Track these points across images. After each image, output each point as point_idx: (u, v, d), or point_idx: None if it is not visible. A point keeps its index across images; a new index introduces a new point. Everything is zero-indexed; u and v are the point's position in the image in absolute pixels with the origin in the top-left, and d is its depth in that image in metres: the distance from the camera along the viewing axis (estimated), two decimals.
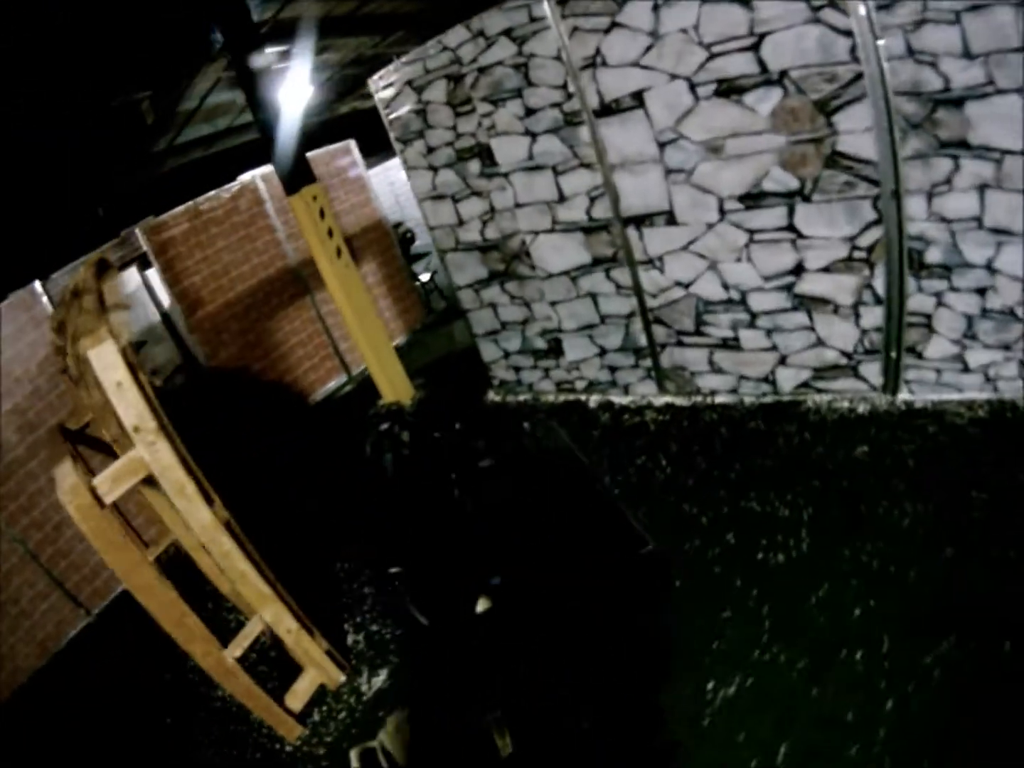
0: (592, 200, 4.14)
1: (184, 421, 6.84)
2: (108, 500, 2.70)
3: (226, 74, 8.49)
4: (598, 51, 3.65)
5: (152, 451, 2.75)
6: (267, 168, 6.83)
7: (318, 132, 6.24)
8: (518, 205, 4.49)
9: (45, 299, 5.40)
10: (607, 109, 3.79)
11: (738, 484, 3.50)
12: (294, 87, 8.98)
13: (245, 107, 10.39)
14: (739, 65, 3.26)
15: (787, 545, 2.99)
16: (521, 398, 5.44)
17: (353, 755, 2.70)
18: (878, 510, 2.97)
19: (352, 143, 8.05)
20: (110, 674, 4.66)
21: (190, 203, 6.59)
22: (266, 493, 5.82)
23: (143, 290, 6.85)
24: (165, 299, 6.94)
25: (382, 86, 4.74)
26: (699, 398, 4.44)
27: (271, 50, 7.96)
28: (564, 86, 3.86)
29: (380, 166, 13.24)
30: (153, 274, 6.74)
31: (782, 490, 3.32)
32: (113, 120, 8.31)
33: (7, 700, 4.83)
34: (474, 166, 4.54)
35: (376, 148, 9.33)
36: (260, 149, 5.82)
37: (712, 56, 3.31)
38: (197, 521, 2.95)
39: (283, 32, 7.81)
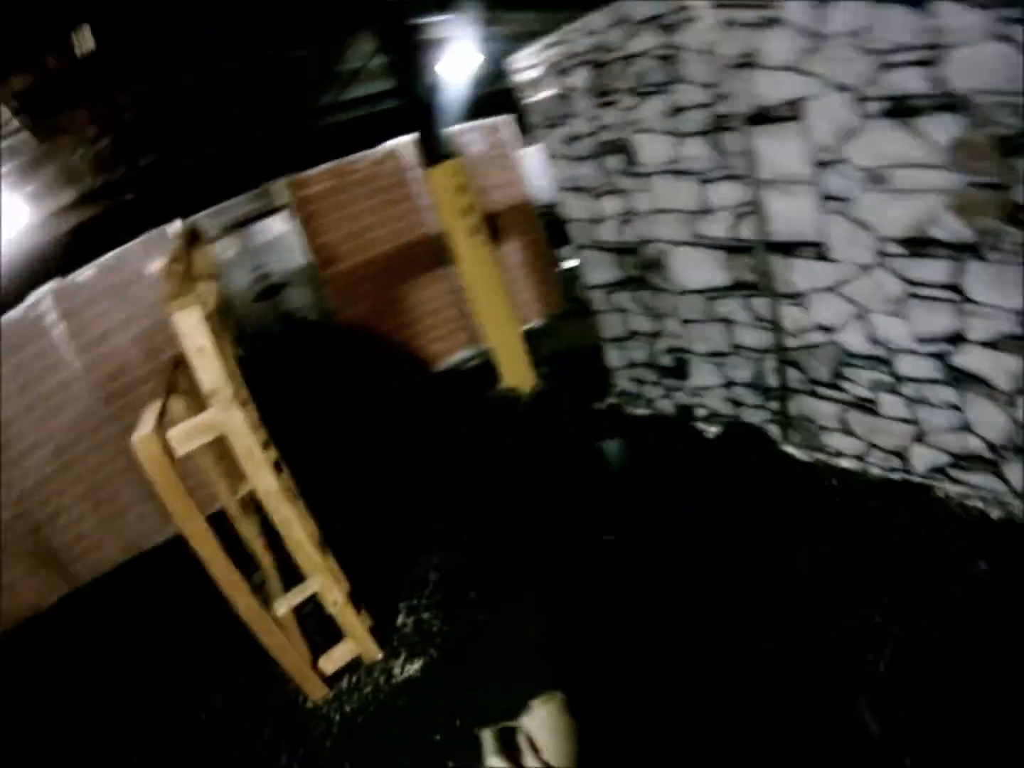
0: (738, 217, 3.74)
1: (307, 365, 7.49)
2: (179, 453, 2.99)
3: None
4: (754, 49, 3.24)
5: (226, 415, 3.01)
6: (412, 136, 7.05)
7: (478, 104, 6.27)
8: (658, 210, 4.19)
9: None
10: (761, 116, 3.37)
11: (834, 575, 3.12)
12: (452, 58, 9.12)
13: None
14: (914, 82, 2.71)
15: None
16: (639, 412, 5.20)
17: (488, 735, 2.80)
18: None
19: (508, 119, 8.01)
20: (170, 588, 5.37)
21: (334, 163, 7.00)
22: (369, 455, 6.26)
23: (292, 235, 7.37)
24: (301, 250, 7.46)
25: (523, 67, 4.59)
26: (821, 455, 3.95)
27: (427, 19, 8.14)
28: (715, 85, 3.49)
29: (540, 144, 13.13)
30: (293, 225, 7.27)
31: (878, 594, 2.91)
32: (270, 71, 8.93)
33: (88, 582, 6.10)
34: (616, 162, 4.29)
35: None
36: (408, 117, 6.00)
37: (884, 67, 2.82)
38: (262, 487, 3.23)
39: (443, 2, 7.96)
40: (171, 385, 3.71)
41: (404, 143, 7.32)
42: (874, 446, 3.66)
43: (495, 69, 12.64)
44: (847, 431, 3.78)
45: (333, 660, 3.69)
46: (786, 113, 3.27)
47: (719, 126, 3.58)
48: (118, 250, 6.06)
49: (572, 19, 4.16)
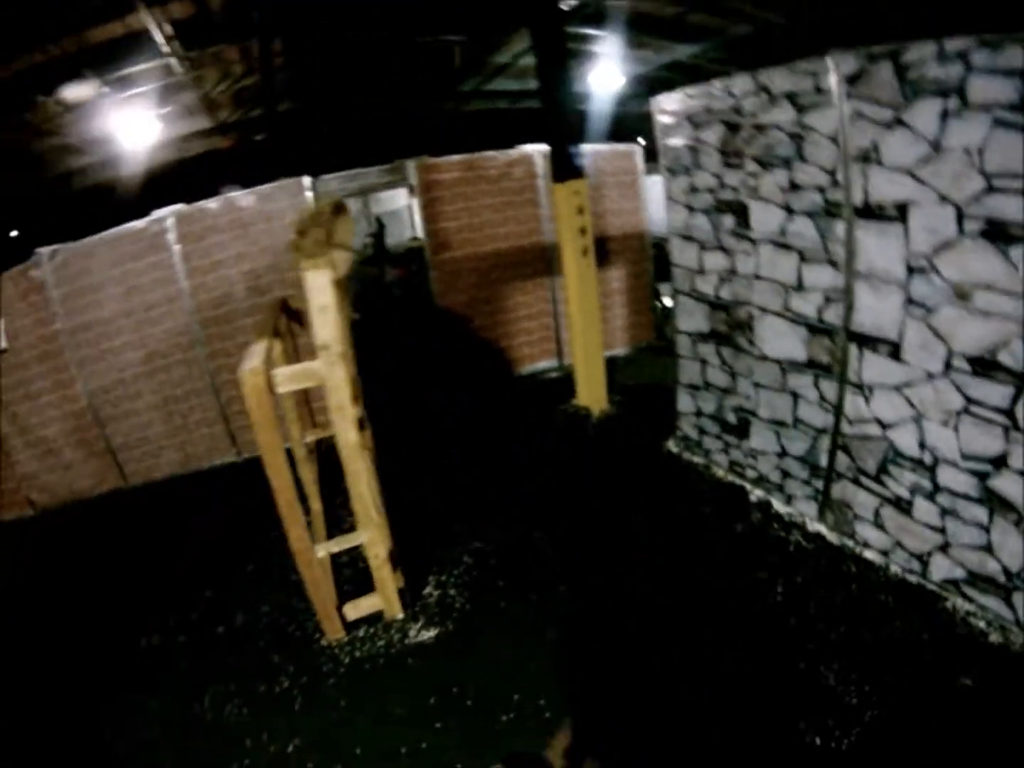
0: (827, 300, 4.08)
1: (398, 337, 8.14)
2: (279, 390, 3.52)
3: None
4: (875, 145, 3.57)
5: (330, 369, 3.55)
6: (546, 146, 7.57)
7: (612, 125, 6.71)
8: (757, 276, 4.56)
9: (309, 194, 6.78)
10: (869, 211, 3.71)
11: (827, 653, 3.42)
12: (597, 75, 9.54)
13: None
14: (1015, 209, 3.05)
15: None
16: (695, 459, 5.57)
17: None
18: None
19: (637, 148, 8.48)
20: (215, 510, 6.17)
21: (467, 156, 7.59)
22: (440, 435, 6.89)
23: (411, 214, 8.02)
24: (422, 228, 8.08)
25: (663, 110, 5.02)
26: (849, 542, 4.27)
27: (580, 30, 8.59)
28: (832, 172, 3.83)
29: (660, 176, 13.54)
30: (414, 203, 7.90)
31: (874, 684, 3.20)
32: (421, 54, 9.60)
33: (138, 485, 7.06)
34: (728, 221, 4.69)
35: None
36: (542, 127, 6.48)
37: (990, 190, 3.14)
38: (343, 437, 3.74)
39: (598, 17, 8.40)
40: (275, 327, 4.31)
41: (540, 150, 7.88)
42: (900, 545, 3.94)
43: (632, 92, 13.24)
44: (879, 525, 4.08)
45: (358, 608, 4.22)
46: (892, 213, 3.59)
47: (829, 211, 3.93)
48: (249, 190, 6.76)
49: (714, 58, 4.55)
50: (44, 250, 6.38)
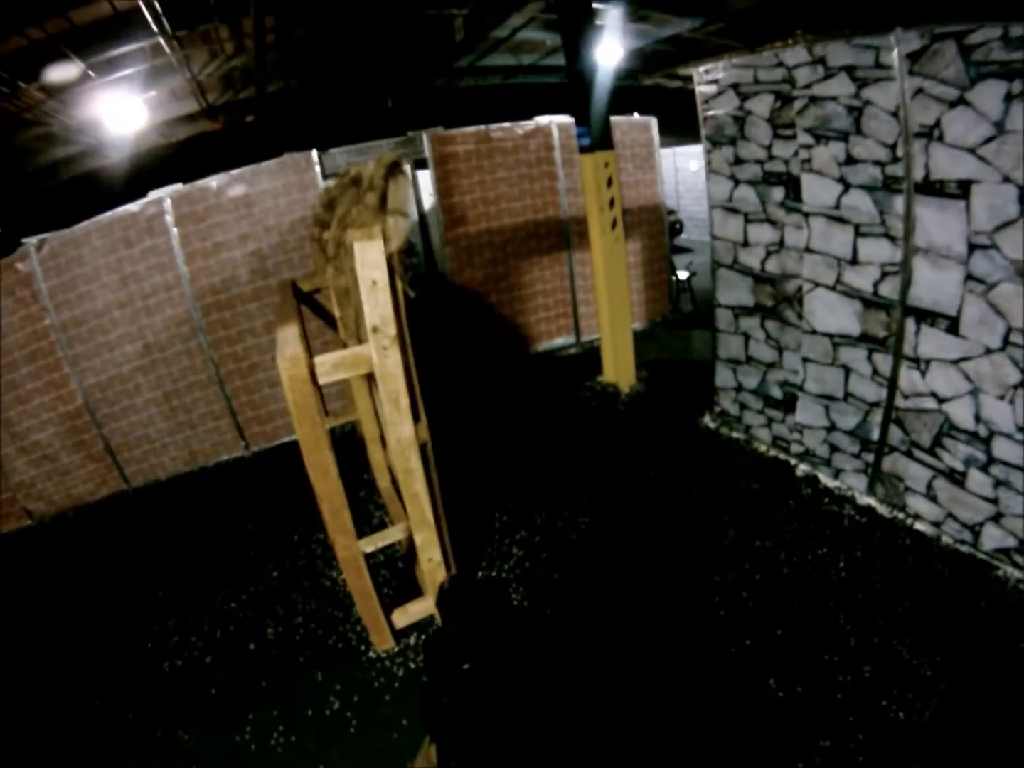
0: (883, 275, 4.34)
1: (413, 316, 8.31)
2: (323, 381, 3.29)
3: (543, 16, 9.88)
4: (937, 123, 3.81)
5: (382, 355, 3.30)
6: (564, 118, 7.77)
7: (612, 98, 6.92)
8: (808, 250, 4.81)
9: (318, 168, 6.86)
10: (929, 187, 3.95)
11: (898, 627, 3.71)
12: (607, 46, 9.76)
13: (552, 49, 11.97)
14: None
15: None
16: (734, 435, 5.87)
17: None
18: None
19: (653, 121, 8.71)
20: (227, 509, 6.09)
21: (482, 127, 7.73)
22: (470, 418, 7.01)
23: (411, 187, 8.20)
24: (427, 202, 8.21)
25: (706, 80, 5.22)
26: (900, 514, 4.60)
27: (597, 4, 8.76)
28: (893, 147, 4.07)
29: (668, 149, 14.25)
30: (424, 176, 8.02)
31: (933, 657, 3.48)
32: (425, 25, 9.69)
33: (142, 485, 6.93)
34: (777, 193, 4.93)
35: (669, 130, 10.00)
36: (560, 97, 6.68)
37: None
38: (396, 432, 3.51)
39: None
40: (297, 307, 4.11)
41: (557, 121, 8.04)
42: (952, 516, 4.28)
43: (642, 65, 13.49)
44: (931, 496, 4.40)
45: (407, 614, 4.11)
46: (954, 190, 3.84)
47: (888, 186, 4.18)
48: (252, 166, 6.74)
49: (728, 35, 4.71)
50: (31, 240, 6.26)
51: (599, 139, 6.53)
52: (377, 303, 3.21)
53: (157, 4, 7.65)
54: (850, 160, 4.37)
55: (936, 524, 4.41)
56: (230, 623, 4.65)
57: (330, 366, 3.30)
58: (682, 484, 5.30)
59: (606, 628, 4.00)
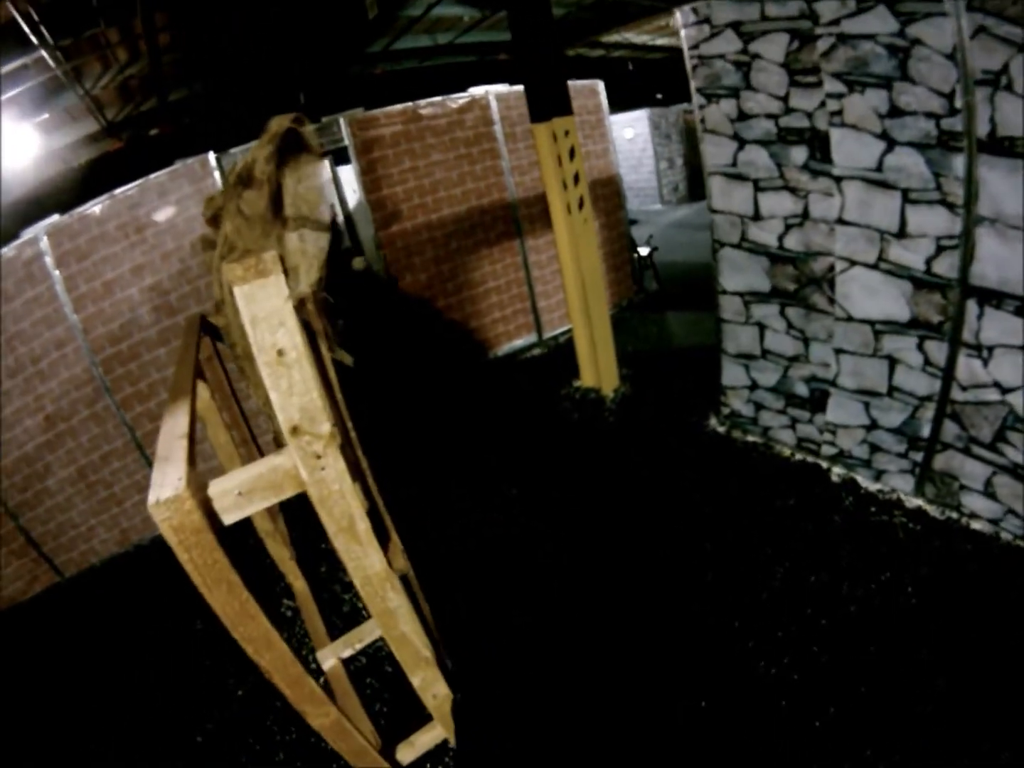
0: (939, 250, 3.99)
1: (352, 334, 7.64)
2: (228, 520, 2.17)
3: None
4: (1005, 68, 3.45)
5: (314, 467, 2.25)
6: (501, 87, 7.34)
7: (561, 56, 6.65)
8: (842, 221, 4.41)
9: (217, 174, 6.17)
10: (996, 145, 3.61)
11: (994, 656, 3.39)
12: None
13: (471, 24, 11.90)
14: None
15: None
16: (750, 439, 5.51)
17: None
18: None
19: (600, 84, 8.42)
20: (170, 589, 5.24)
21: (408, 104, 7.16)
22: (424, 446, 6.36)
23: (330, 186, 7.55)
24: (352, 200, 7.58)
25: (692, 20, 4.75)
26: (954, 514, 4.38)
27: None
28: (950, 96, 3.71)
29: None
30: (346, 171, 7.37)
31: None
32: (335, 8, 9.18)
33: (75, 575, 6.33)
34: (798, 154, 4.51)
35: None
36: (483, 75, 6.23)
37: None
38: (361, 569, 2.62)
39: None
40: (197, 364, 3.03)
41: (495, 91, 7.56)
42: (1012, 512, 4.08)
43: (563, 35, 13.62)
44: (990, 494, 4.18)
45: (415, 747, 3.38)
46: None
47: (944, 143, 3.82)
48: (136, 183, 6.02)
49: None
50: None
51: (553, 103, 6.02)
52: (292, 388, 2.11)
53: (33, 12, 6.89)
54: (895, 112, 3.97)
55: (995, 522, 4.20)
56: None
57: (236, 496, 2.14)
58: (703, 508, 4.86)
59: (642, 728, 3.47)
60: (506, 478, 5.74)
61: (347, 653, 3.30)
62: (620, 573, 4.48)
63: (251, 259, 1.91)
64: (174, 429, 2.25)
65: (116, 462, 6.39)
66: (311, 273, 2.29)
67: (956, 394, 4.18)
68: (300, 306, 2.24)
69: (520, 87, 7.76)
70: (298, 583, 4.50)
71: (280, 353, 2.04)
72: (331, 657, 3.20)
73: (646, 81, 20.15)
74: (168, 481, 1.96)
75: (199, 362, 2.86)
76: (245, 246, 2.19)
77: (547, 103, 6.00)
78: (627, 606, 4.22)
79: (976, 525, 4.26)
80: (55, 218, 5.97)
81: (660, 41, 17.88)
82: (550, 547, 4.82)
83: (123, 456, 6.40)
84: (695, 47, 4.86)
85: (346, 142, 7.00)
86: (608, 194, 8.65)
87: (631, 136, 16.72)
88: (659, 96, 20.55)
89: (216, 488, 2.10)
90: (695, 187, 19.36)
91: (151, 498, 1.91)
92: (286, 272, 2.01)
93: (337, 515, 2.38)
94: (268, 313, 1.98)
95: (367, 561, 2.57)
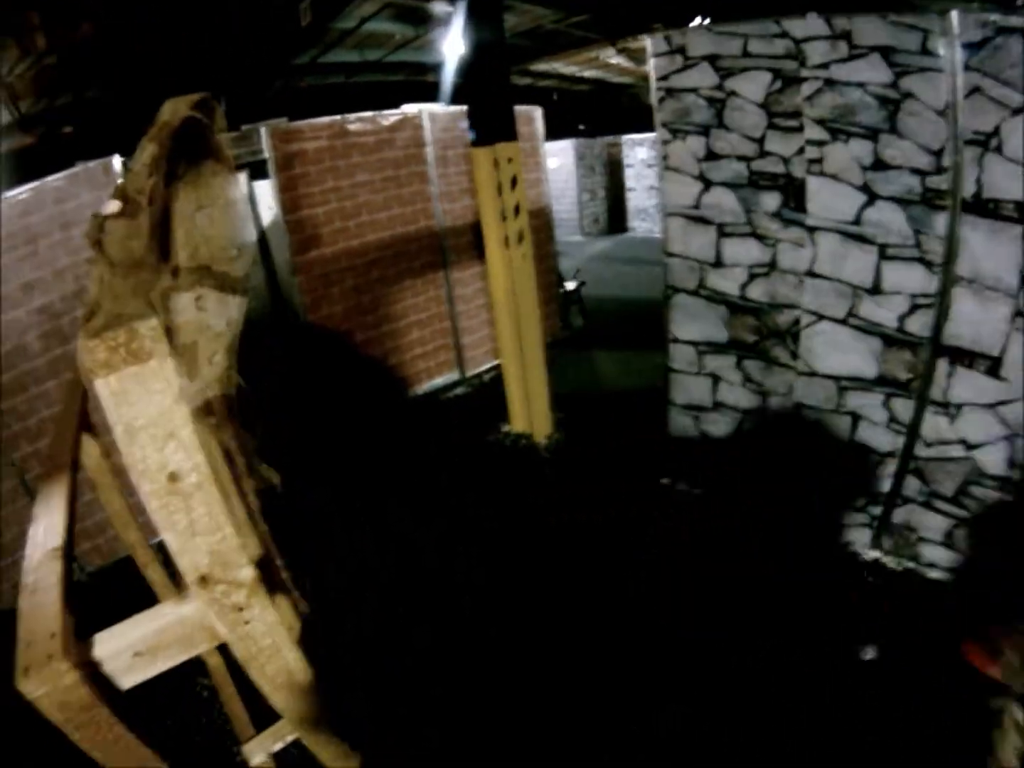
0: (914, 308, 4.09)
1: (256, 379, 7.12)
2: (126, 684, 1.45)
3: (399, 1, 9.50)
4: (997, 130, 3.59)
5: (235, 621, 1.59)
6: (436, 106, 7.31)
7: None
8: (812, 274, 4.45)
9: (121, 180, 5.65)
10: (981, 207, 3.73)
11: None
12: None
13: (401, 43, 11.95)
14: None
15: None
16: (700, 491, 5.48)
17: None
18: None
19: (538, 111, 8.44)
20: None
21: (336, 118, 6.89)
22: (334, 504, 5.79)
23: (246, 204, 7.20)
24: (267, 218, 7.21)
25: (664, 49, 4.69)
26: (911, 564, 4.51)
27: None
28: (938, 154, 3.82)
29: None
30: (263, 187, 6.95)
31: None
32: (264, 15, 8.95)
33: None
34: (770, 201, 4.55)
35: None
36: (408, 95, 6.10)
37: None
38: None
39: None
40: (83, 421, 2.17)
41: (429, 111, 7.40)
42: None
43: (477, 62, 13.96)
44: (948, 544, 4.33)
45: None
46: (1010, 213, 3.65)
47: (928, 200, 3.92)
48: (29, 186, 5.34)
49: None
50: None
51: (501, 126, 5.88)
52: (193, 526, 1.41)
53: None
54: (879, 165, 4.07)
55: (951, 570, 4.35)
56: None
57: (131, 656, 1.45)
58: (669, 566, 4.66)
59: None
60: (425, 548, 5.15)
61: (278, 746, 2.61)
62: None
63: (120, 332, 1.15)
64: (44, 537, 1.51)
65: (8, 507, 5.50)
66: (216, 361, 1.54)
67: (921, 450, 4.29)
68: (208, 408, 1.55)
69: (455, 108, 7.68)
70: (212, 658, 3.76)
71: (173, 478, 1.33)
72: (259, 752, 2.53)
73: (572, 112, 20.53)
74: (38, 639, 1.29)
75: (86, 411, 2.10)
76: (113, 309, 1.23)
77: (492, 126, 5.85)
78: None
79: (935, 575, 4.39)
80: None
81: (587, 73, 18.33)
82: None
83: (13, 502, 5.50)
84: (664, 78, 4.81)
85: (266, 155, 6.55)
86: (539, 225, 8.53)
87: (555, 166, 16.77)
88: (581, 127, 21.09)
89: (105, 648, 1.43)
90: (615, 219, 20.03)
91: (19, 662, 1.23)
92: (177, 351, 1.31)
93: (271, 673, 1.77)
94: (150, 420, 1.25)
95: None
